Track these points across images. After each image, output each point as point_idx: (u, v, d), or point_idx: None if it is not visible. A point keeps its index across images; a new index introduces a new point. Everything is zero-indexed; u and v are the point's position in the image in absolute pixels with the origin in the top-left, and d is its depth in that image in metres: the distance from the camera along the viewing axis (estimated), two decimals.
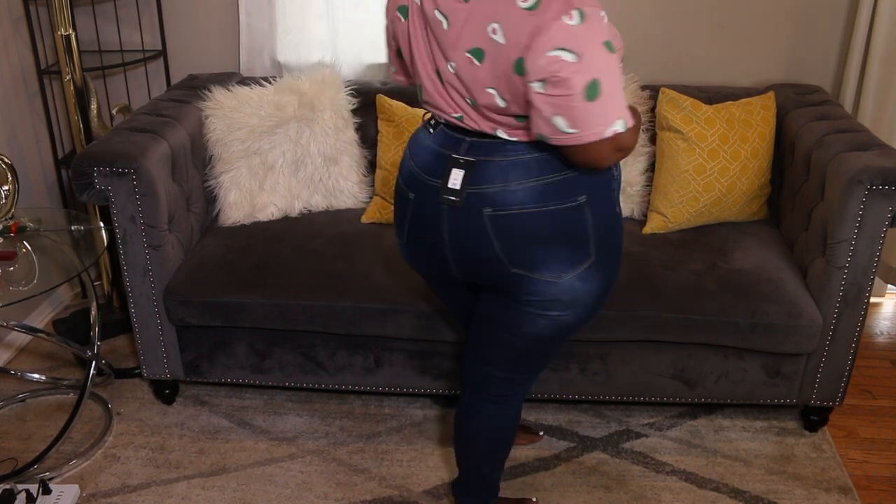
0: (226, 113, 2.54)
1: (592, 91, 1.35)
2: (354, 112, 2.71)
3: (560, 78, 1.34)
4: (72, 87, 2.64)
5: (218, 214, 2.61)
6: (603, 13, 1.38)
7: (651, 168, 2.61)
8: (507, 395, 1.82)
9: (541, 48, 1.35)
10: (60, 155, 2.99)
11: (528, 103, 1.43)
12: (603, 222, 1.57)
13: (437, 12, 1.48)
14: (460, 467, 1.98)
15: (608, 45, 1.36)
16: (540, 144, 1.51)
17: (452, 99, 1.54)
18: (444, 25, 1.47)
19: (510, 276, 1.58)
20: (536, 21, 1.35)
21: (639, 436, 2.41)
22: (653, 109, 2.61)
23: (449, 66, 1.50)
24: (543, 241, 1.53)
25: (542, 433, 2.41)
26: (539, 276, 1.56)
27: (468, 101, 1.52)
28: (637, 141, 1.56)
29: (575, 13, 1.33)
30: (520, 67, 1.39)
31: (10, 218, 2.40)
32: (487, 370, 1.78)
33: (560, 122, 1.39)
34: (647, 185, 2.61)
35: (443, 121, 1.61)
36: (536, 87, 1.38)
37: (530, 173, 1.50)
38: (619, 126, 1.39)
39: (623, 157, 1.49)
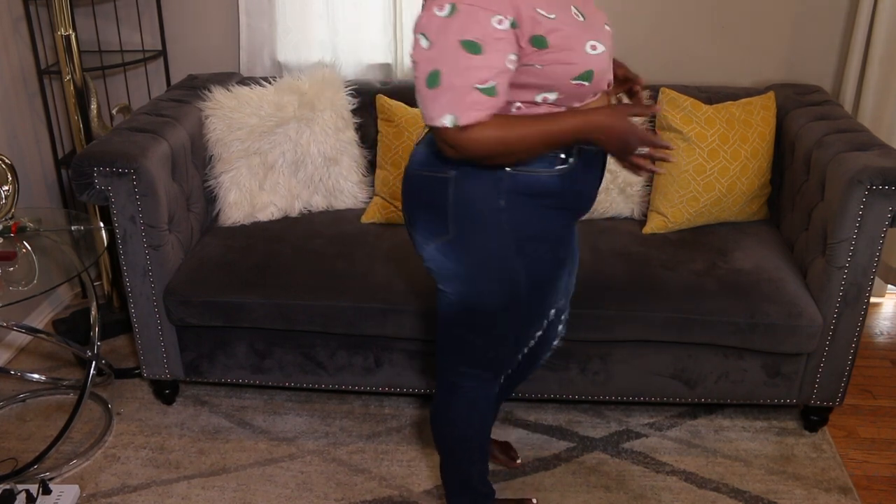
0: (226, 113, 2.54)
1: (432, 80, 1.42)
2: (354, 112, 2.71)
3: (414, 60, 1.45)
4: (72, 87, 2.64)
5: (218, 214, 2.61)
6: (497, 17, 1.37)
7: None
8: (456, 385, 1.80)
9: (413, 29, 1.45)
10: (60, 155, 2.99)
11: None
12: (471, 207, 1.56)
13: None
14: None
15: (466, 44, 1.38)
16: None
17: None
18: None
19: (410, 236, 1.69)
20: (425, 3, 1.45)
21: (639, 436, 2.41)
22: None
23: None
24: (416, 203, 1.63)
25: (519, 461, 2.30)
26: (416, 238, 1.66)
27: None
28: (497, 150, 1.48)
29: (447, 6, 1.39)
30: None
31: (10, 218, 2.40)
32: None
33: (417, 97, 1.48)
34: (647, 185, 2.61)
35: None
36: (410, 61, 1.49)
37: (428, 140, 1.59)
38: (446, 121, 1.43)
39: (458, 156, 1.47)
